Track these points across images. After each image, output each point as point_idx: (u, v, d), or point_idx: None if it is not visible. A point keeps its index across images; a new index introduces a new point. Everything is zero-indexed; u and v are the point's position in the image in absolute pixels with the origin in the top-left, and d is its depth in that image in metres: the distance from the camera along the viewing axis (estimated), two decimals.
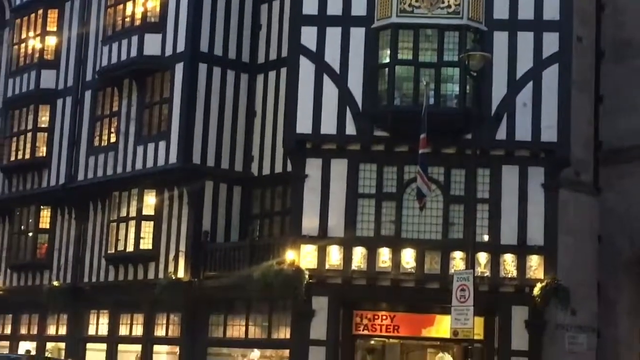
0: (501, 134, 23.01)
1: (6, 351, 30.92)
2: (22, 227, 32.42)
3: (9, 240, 32.86)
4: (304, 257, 23.13)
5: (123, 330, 28.51)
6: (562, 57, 23.08)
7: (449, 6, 22.93)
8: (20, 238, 32.47)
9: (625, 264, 25.41)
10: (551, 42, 23.10)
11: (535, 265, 22.63)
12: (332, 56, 23.70)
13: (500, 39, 23.13)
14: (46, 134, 31.95)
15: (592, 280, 24.37)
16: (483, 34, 22.91)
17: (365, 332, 23.82)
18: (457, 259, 22.52)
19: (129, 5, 28.75)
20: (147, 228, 27.69)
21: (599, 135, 25.43)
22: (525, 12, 23.25)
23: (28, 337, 31.97)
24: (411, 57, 23.12)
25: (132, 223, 28.12)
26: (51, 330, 30.94)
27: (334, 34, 23.76)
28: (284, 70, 25.83)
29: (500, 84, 23.03)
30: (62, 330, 30.39)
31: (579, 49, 24.21)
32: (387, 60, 23.25)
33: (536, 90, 23.00)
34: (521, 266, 22.63)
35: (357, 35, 23.60)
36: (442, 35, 23.01)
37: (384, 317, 23.61)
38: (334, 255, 23.13)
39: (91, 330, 29.52)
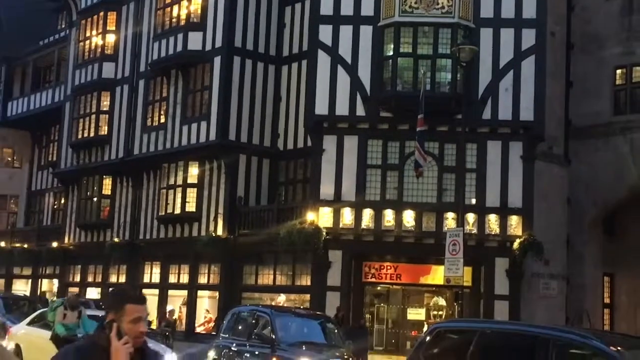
0: (486, 114, 22.87)
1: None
2: (88, 193, 32.40)
3: (78, 204, 32.85)
4: (321, 217, 23.05)
5: (172, 279, 28.52)
6: (538, 50, 22.87)
7: (443, 7, 22.77)
8: (86, 202, 32.45)
9: (590, 223, 25.32)
10: (529, 37, 22.91)
11: (514, 224, 22.51)
12: (344, 50, 23.54)
13: (486, 34, 22.92)
14: (107, 115, 31.83)
15: (563, 236, 24.14)
16: (471, 30, 22.73)
17: (373, 279, 23.83)
18: (449, 219, 22.36)
19: (175, 7, 28.60)
20: (191, 194, 27.63)
21: (569, 115, 25.16)
22: (507, 11, 23.07)
23: (94, 284, 32.09)
24: (411, 51, 23.05)
25: (179, 190, 28.08)
26: (112, 279, 31.02)
27: (346, 31, 23.59)
28: (304, 62, 25.67)
29: (485, 72, 22.85)
30: (122, 279, 30.45)
31: (552, 42, 23.96)
32: (391, 53, 23.12)
33: (516, 77, 22.84)
34: (503, 225, 22.53)
35: (366, 32, 23.43)
36: (436, 32, 22.86)
37: (389, 267, 23.59)
38: (347, 216, 23.04)
39: (146, 279, 29.55)
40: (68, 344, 13.59)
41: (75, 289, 31.79)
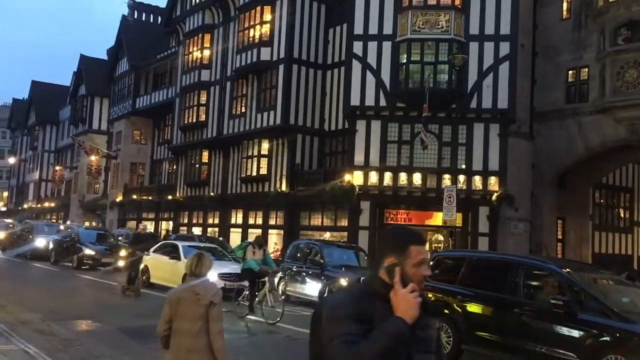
0: (473, 104, 22.48)
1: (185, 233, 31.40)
2: (192, 161, 32.72)
3: (185, 169, 33.24)
4: (355, 178, 23.02)
5: (250, 221, 28.74)
6: (511, 57, 22.41)
7: (442, 27, 22.43)
8: (191, 168, 32.77)
9: (548, 181, 24.94)
10: (505, 48, 22.42)
11: (493, 182, 22.28)
12: (371, 59, 23.25)
13: (473, 46, 22.48)
14: (205, 107, 32.02)
15: (528, 191, 23.81)
16: (462, 44, 22.35)
17: (392, 221, 23.67)
18: (446, 179, 22.16)
19: (252, 30, 28.50)
20: (263, 162, 27.73)
21: (533, 103, 24.67)
22: (489, 29, 22.56)
23: (197, 225, 32.46)
24: (419, 59, 22.71)
25: (255, 159, 28.19)
26: (209, 221, 31.44)
27: (372, 46, 23.29)
28: (342, 68, 25.39)
29: (473, 74, 22.45)
30: (216, 221, 30.87)
31: (522, 51, 23.43)
32: (404, 61, 22.82)
33: (495, 77, 22.39)
34: (484, 183, 22.31)
35: (386, 46, 23.11)
36: (437, 45, 22.50)
37: (403, 213, 23.51)
38: (373, 177, 22.98)
39: (232, 221, 29.85)
40: (257, 278, 13.38)
41: (184, 229, 32.43)
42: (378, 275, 2.49)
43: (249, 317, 13.07)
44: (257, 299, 13.38)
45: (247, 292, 13.96)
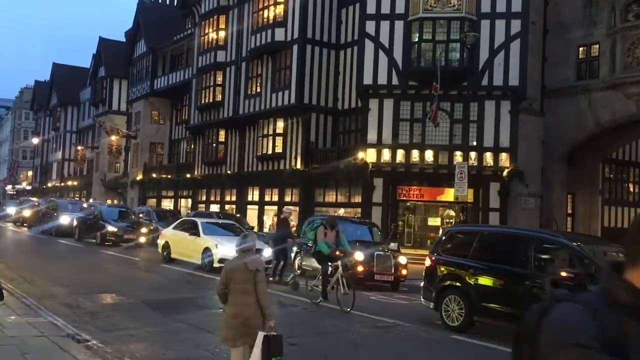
0: (484, 81, 22.29)
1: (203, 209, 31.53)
2: (209, 140, 32.74)
3: (202, 148, 33.34)
4: (368, 155, 22.97)
5: (266, 198, 28.84)
6: (522, 35, 22.14)
7: (454, 5, 22.15)
8: (208, 147, 32.83)
9: (558, 157, 24.75)
10: (516, 26, 22.15)
11: (504, 158, 22.14)
12: (383, 38, 23.08)
13: (485, 24, 22.22)
14: (221, 87, 31.94)
15: (538, 167, 23.65)
16: (474, 22, 22.09)
17: (404, 198, 23.81)
18: (458, 156, 22.05)
19: (266, 11, 28.28)
20: (278, 140, 27.70)
21: (544, 80, 24.42)
22: (500, 7, 22.27)
23: (214, 202, 32.54)
24: (431, 37, 22.47)
25: (270, 137, 28.18)
26: (227, 198, 31.56)
27: (385, 25, 23.10)
28: (355, 47, 25.18)
29: (484, 52, 22.21)
30: (233, 198, 30.96)
31: (533, 29, 23.20)
32: (416, 39, 22.59)
33: (506, 55, 22.16)
34: (495, 159, 22.17)
35: (399, 25, 22.88)
36: (449, 24, 22.23)
37: (415, 189, 23.53)
38: (386, 154, 22.91)
39: (249, 198, 29.95)
40: (331, 261, 11.83)
41: (202, 206, 32.59)
42: (626, 280, 1.43)
43: (323, 304, 11.84)
44: (329, 284, 11.90)
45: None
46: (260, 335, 5.47)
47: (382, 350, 8.60)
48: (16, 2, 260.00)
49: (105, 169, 47.03)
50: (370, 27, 23.25)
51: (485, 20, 22.17)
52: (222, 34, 31.91)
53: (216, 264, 16.57)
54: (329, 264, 11.97)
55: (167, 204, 37.48)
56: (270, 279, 13.58)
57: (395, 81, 22.93)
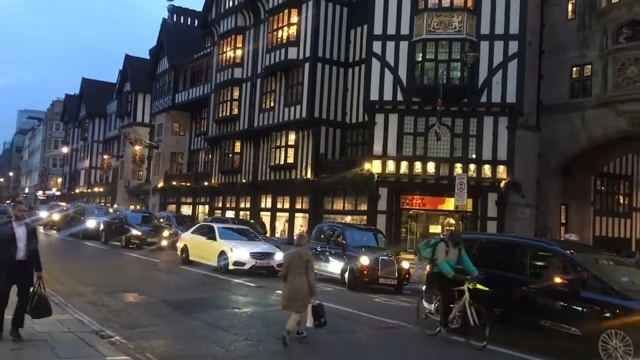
0: (483, 99, 22.20)
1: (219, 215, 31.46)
2: (226, 151, 32.81)
3: (219, 158, 33.40)
4: (374, 166, 22.92)
5: (279, 205, 28.82)
6: (519, 55, 22.06)
7: (455, 27, 22.14)
8: (225, 157, 32.90)
9: (552, 170, 24.58)
10: (513, 46, 22.08)
11: (501, 170, 22.01)
12: (389, 57, 23.05)
13: (484, 45, 22.17)
14: (237, 102, 32.01)
15: (534, 179, 23.54)
16: (474, 43, 22.04)
17: (407, 206, 23.68)
18: (458, 168, 21.95)
19: (280, 31, 28.36)
20: (290, 151, 27.71)
21: (540, 98, 24.30)
22: (498, 29, 22.21)
23: (230, 209, 32.49)
24: (433, 57, 22.42)
25: (282, 149, 28.20)
26: (242, 205, 31.56)
27: (391, 45, 23.09)
28: (363, 66, 25.12)
29: (483, 71, 22.13)
30: (247, 205, 30.97)
31: (529, 49, 23.08)
32: (420, 59, 22.58)
33: (504, 74, 22.06)
34: (493, 171, 22.05)
35: (404, 45, 22.89)
36: (450, 45, 22.22)
37: (417, 199, 23.40)
38: (390, 166, 22.86)
39: (262, 205, 29.97)
40: (453, 286, 8.95)
41: (218, 212, 32.61)
42: None
43: (441, 334, 9.41)
44: (452, 313, 9.32)
45: (432, 305, 9.98)
46: (309, 306, 8.13)
47: (387, 349, 8.57)
48: (52, 22, 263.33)
49: (129, 177, 47.30)
50: (377, 47, 23.27)
51: (484, 41, 22.13)
52: (239, 52, 32.05)
53: (231, 267, 16.59)
54: (453, 289, 9.40)
55: (186, 210, 37.52)
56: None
57: (400, 97, 22.90)
